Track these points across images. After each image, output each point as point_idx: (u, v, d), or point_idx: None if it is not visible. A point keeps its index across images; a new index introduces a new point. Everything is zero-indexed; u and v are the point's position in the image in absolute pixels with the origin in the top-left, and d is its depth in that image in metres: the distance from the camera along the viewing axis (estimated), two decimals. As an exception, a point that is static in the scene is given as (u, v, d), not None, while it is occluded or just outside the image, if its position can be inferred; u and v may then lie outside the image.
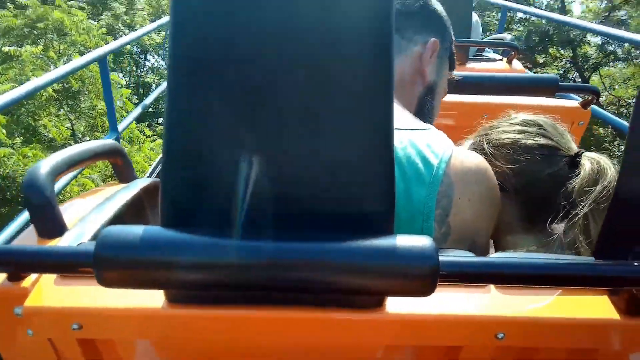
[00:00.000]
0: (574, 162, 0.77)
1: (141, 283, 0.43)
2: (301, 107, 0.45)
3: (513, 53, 2.37)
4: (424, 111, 0.85)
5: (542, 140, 0.80)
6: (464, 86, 1.33)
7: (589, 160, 0.75)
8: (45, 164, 0.59)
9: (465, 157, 0.69)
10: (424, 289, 0.43)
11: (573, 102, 1.43)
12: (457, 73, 1.19)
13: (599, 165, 0.73)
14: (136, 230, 0.42)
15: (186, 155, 0.45)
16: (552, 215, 0.74)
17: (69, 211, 0.64)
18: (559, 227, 0.74)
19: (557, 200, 0.74)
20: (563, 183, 0.74)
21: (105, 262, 0.41)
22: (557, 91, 1.30)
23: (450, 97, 1.39)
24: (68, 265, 0.44)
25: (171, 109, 0.45)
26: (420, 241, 0.43)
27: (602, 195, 0.70)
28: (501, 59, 2.55)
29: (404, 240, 0.43)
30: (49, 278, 0.51)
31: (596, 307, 0.51)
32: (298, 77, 0.44)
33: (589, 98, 1.37)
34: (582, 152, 0.77)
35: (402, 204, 0.64)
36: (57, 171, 0.60)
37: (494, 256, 0.52)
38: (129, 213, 0.68)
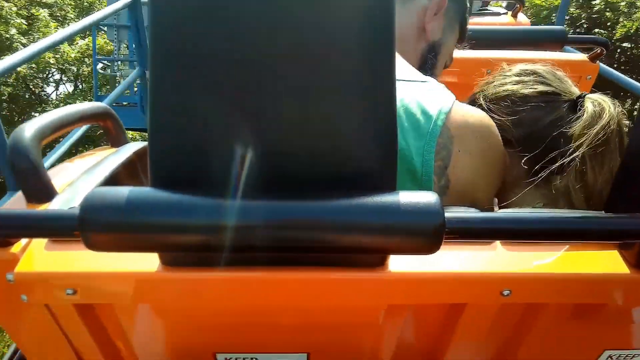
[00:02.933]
0: (576, 105, 0.73)
1: (131, 246, 0.41)
2: (298, 64, 0.42)
3: (518, 6, 2.29)
4: (425, 67, 0.82)
5: (540, 87, 0.76)
6: (467, 40, 1.28)
7: (592, 102, 0.71)
8: (30, 127, 0.56)
9: (467, 111, 0.67)
10: (430, 247, 0.41)
11: (581, 55, 1.38)
12: None
13: (601, 106, 0.70)
14: (123, 191, 0.40)
15: (175, 113, 0.43)
16: (558, 167, 0.71)
17: (58, 175, 0.62)
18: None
19: (560, 149, 0.71)
20: (566, 129, 0.71)
21: (92, 225, 0.39)
22: (565, 44, 1.25)
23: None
24: (53, 228, 0.42)
25: (156, 71, 0.42)
26: (425, 197, 0.41)
27: (598, 138, 0.67)
28: (505, 13, 2.47)
29: (408, 197, 0.41)
30: (39, 243, 0.49)
31: (605, 262, 0.50)
32: (294, 33, 0.41)
33: (598, 51, 1.32)
34: (585, 95, 0.73)
35: (401, 157, 0.62)
36: (43, 134, 0.57)
37: (501, 212, 0.50)
38: (121, 177, 0.66)
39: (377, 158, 0.44)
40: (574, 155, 0.67)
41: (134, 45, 2.70)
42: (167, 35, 0.42)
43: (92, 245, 0.40)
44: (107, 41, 8.36)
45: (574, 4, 8.20)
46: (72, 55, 9.58)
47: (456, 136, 0.63)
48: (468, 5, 0.85)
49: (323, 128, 0.43)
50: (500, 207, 0.81)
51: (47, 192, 0.53)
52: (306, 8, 0.41)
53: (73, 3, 10.83)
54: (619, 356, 0.61)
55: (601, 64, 1.42)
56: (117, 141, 0.81)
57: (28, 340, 0.56)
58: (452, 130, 0.63)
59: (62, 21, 10.33)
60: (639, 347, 0.60)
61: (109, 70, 7.20)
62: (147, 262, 0.47)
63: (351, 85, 0.43)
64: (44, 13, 9.62)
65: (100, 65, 7.04)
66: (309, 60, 0.42)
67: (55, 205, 0.53)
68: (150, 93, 0.42)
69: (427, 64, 0.82)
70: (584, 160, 0.68)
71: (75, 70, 10.39)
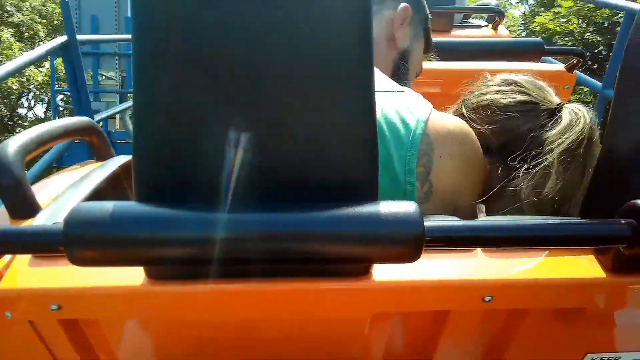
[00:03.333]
0: (554, 114, 0.74)
1: (116, 260, 0.41)
2: (281, 78, 0.43)
3: (498, 19, 2.34)
4: (399, 75, 0.85)
5: (519, 97, 0.78)
6: (448, 52, 1.31)
7: (569, 112, 0.72)
8: (14, 142, 0.56)
9: (445, 118, 0.69)
10: (410, 255, 0.42)
11: (558, 65, 1.42)
12: (441, 40, 1.18)
13: (577, 115, 0.71)
14: (107, 205, 0.40)
15: (160, 126, 0.43)
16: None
17: (43, 191, 0.61)
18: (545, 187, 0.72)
19: (538, 158, 0.72)
20: (543, 138, 0.72)
21: (77, 240, 0.39)
22: (543, 54, 1.29)
23: (435, 65, 1.37)
24: (37, 244, 0.42)
25: (140, 79, 0.42)
26: (405, 207, 0.42)
27: (570, 145, 0.68)
28: (486, 25, 2.53)
29: (388, 207, 0.42)
30: (23, 259, 0.49)
31: (583, 266, 0.51)
32: (277, 48, 0.42)
33: (574, 61, 1.36)
34: (563, 104, 0.75)
35: (383, 167, 0.63)
36: (27, 149, 0.57)
37: (480, 220, 0.52)
38: (106, 191, 0.66)
39: (359, 168, 0.45)
40: (545, 163, 0.68)
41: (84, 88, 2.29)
42: (150, 42, 0.42)
43: (77, 261, 0.40)
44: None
45: (592, 29, 7.68)
46: (39, 79, 8.98)
47: (435, 142, 0.65)
48: (429, 15, 0.91)
49: (306, 138, 0.44)
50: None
51: (30, 208, 0.53)
52: (287, 27, 0.42)
53: (45, 21, 10.20)
54: (600, 359, 0.62)
55: (578, 73, 1.46)
56: (103, 155, 0.81)
57: (10, 358, 0.55)
58: (432, 137, 0.65)
59: (33, 40, 9.71)
60: (620, 350, 0.62)
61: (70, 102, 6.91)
62: (133, 276, 0.47)
63: (334, 97, 0.44)
64: (6, 34, 9.07)
65: (61, 96, 6.76)
66: (293, 72, 0.43)
67: (39, 221, 0.52)
68: (135, 104, 0.43)
69: (400, 71, 0.86)
70: (550, 167, 0.69)
71: (39, 93, 9.80)
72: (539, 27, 8.26)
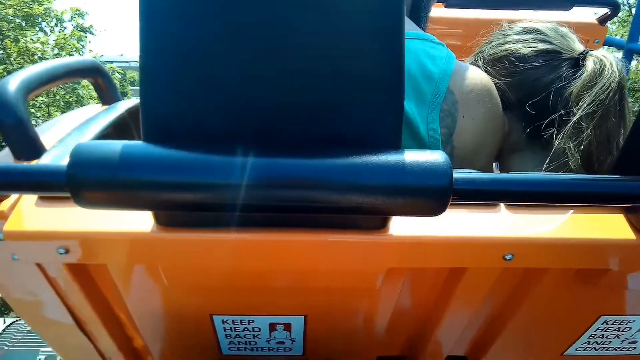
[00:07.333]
0: (577, 63, 0.70)
1: (123, 203, 0.39)
2: (300, 9, 0.39)
3: None
4: (419, 14, 0.77)
5: (540, 46, 0.73)
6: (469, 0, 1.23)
7: (593, 60, 0.68)
8: (15, 80, 0.53)
9: (469, 72, 0.64)
10: (436, 209, 0.39)
11: (589, 17, 1.34)
12: None
13: (602, 64, 0.66)
14: (115, 145, 0.38)
15: (169, 62, 0.40)
16: (557, 129, 0.68)
17: (47, 133, 0.59)
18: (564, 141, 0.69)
19: (559, 110, 0.68)
20: (565, 88, 0.68)
21: (82, 180, 0.37)
22: (573, 4, 1.21)
23: (454, 13, 1.30)
24: (40, 184, 0.40)
25: (147, 9, 0.38)
26: (432, 156, 0.39)
27: (598, 98, 0.64)
28: None
29: (414, 156, 0.39)
30: (29, 201, 0.47)
31: (611, 226, 0.49)
32: None
33: (607, 13, 1.27)
34: (587, 52, 0.70)
35: (405, 122, 0.60)
36: (29, 87, 0.54)
37: (509, 174, 0.49)
38: (113, 135, 0.64)
39: (381, 114, 0.41)
40: (576, 117, 0.65)
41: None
42: None
43: (82, 202, 0.38)
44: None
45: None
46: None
47: (460, 101, 0.61)
48: None
49: (326, 80, 0.40)
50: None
51: (34, 149, 0.51)
52: None
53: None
54: (614, 321, 0.61)
55: (610, 37, 1.38)
56: (109, 99, 0.78)
57: (21, 300, 0.55)
58: (456, 94, 0.61)
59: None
60: (634, 313, 0.61)
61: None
62: (143, 222, 0.45)
63: (357, 35, 0.40)
64: None
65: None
66: (314, 7, 0.39)
67: (43, 162, 0.50)
68: (141, 38, 0.39)
69: (419, 12, 0.76)
70: (581, 121, 0.65)
71: None
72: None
